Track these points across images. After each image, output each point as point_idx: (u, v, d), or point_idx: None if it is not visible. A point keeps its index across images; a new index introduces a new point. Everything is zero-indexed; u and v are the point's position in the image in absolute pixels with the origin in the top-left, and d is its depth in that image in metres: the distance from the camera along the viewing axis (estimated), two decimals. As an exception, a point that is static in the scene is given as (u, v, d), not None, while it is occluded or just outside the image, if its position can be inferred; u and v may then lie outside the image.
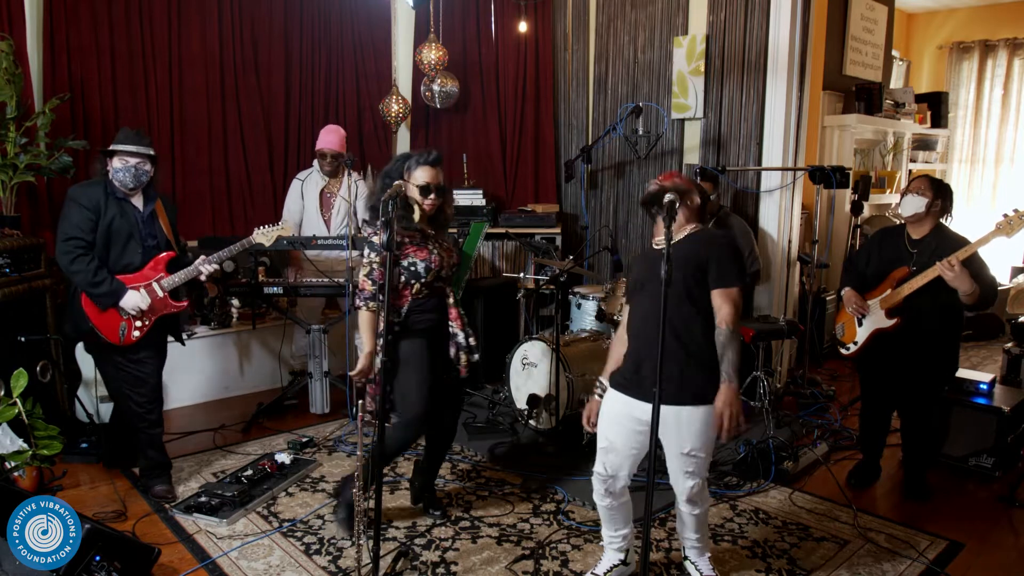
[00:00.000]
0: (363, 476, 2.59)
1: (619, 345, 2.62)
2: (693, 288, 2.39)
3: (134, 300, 3.17)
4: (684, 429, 2.39)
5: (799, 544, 3.00)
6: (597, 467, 2.56)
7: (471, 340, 3.04)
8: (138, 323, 3.22)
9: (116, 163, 3.17)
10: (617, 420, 2.48)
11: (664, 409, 2.35)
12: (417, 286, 2.92)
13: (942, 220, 3.28)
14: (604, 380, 2.62)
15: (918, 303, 3.20)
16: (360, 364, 2.89)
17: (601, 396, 2.60)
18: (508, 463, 3.76)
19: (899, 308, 3.25)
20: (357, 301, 2.94)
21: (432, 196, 2.91)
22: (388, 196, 2.51)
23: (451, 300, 3.03)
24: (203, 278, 3.35)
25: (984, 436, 3.65)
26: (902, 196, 3.33)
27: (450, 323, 3.03)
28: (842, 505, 3.32)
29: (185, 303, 3.40)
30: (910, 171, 7.01)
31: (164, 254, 3.30)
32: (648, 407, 2.30)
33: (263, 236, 3.54)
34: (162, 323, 3.35)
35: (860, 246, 3.60)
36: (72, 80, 4.31)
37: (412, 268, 2.91)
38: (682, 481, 2.49)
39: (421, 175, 2.91)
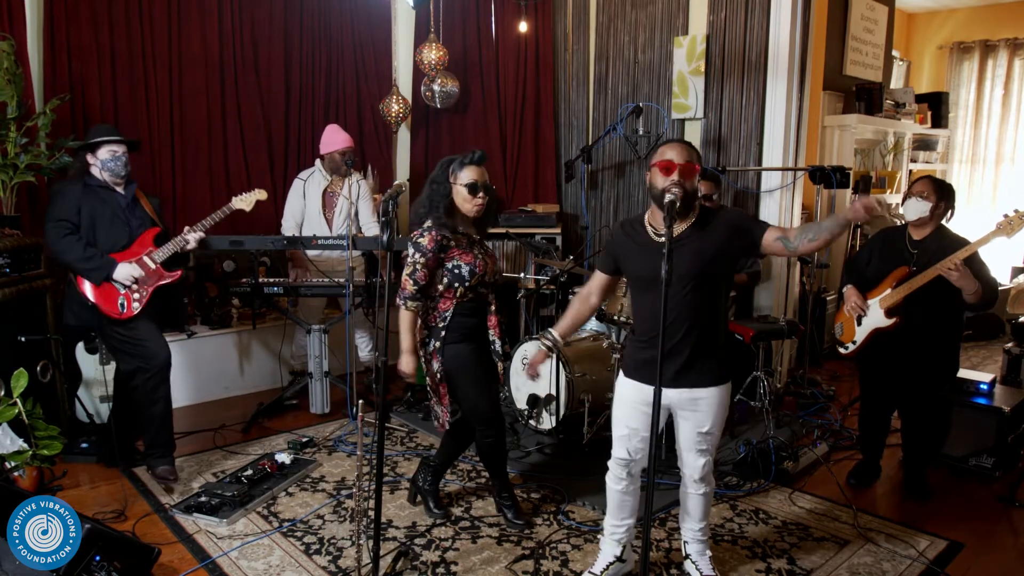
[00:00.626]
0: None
1: (579, 307, 2.68)
2: (711, 275, 2.39)
3: (126, 270, 3.31)
4: (702, 410, 2.45)
5: (799, 544, 3.01)
6: (618, 452, 2.57)
7: (505, 347, 3.09)
8: (136, 295, 3.34)
9: (104, 154, 3.32)
10: (633, 406, 2.51)
11: (681, 392, 2.42)
12: (461, 290, 2.90)
13: (943, 221, 3.29)
14: (554, 332, 2.69)
15: (918, 303, 3.20)
16: (402, 365, 2.93)
17: (547, 349, 2.68)
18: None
19: (899, 308, 3.25)
20: (397, 300, 2.92)
21: (481, 195, 2.90)
22: (389, 196, 2.51)
23: (492, 307, 3.04)
24: (190, 247, 3.49)
25: (984, 436, 3.65)
26: (904, 199, 3.32)
27: (489, 330, 3.04)
28: (842, 505, 3.32)
29: (179, 273, 3.49)
30: (910, 171, 7.01)
31: (150, 230, 3.43)
32: (668, 392, 2.41)
33: (242, 202, 3.64)
34: (159, 313, 3.45)
35: (862, 246, 3.61)
36: (72, 80, 4.31)
37: (456, 271, 2.89)
38: (694, 459, 2.53)
39: (467, 175, 2.89)
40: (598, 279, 2.67)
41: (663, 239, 2.33)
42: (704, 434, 2.48)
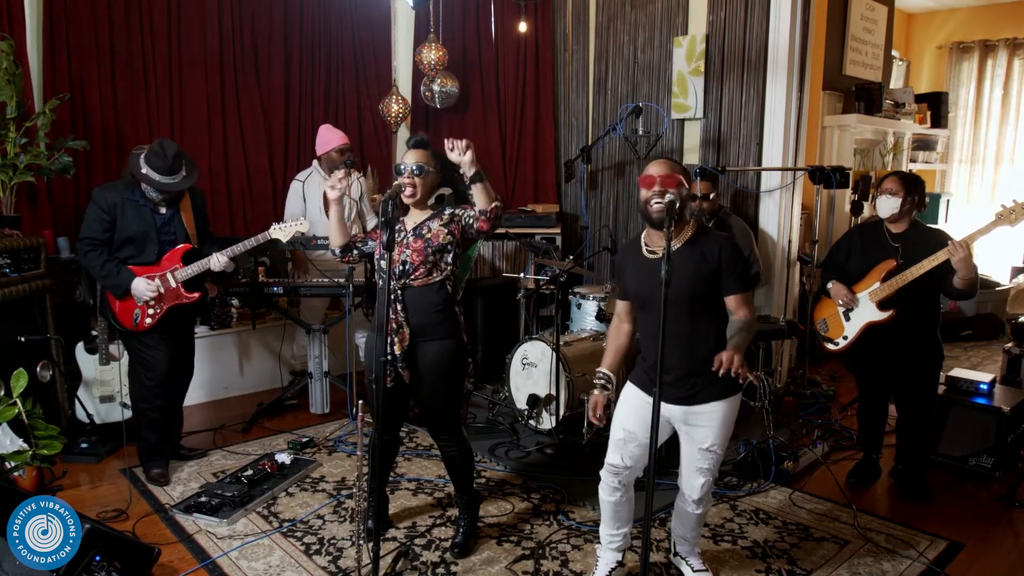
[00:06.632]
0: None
1: (615, 338, 2.63)
2: (706, 295, 2.37)
3: (142, 286, 3.33)
4: (704, 425, 2.42)
5: (799, 544, 3.01)
6: (612, 459, 2.53)
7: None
8: (150, 311, 3.38)
9: (147, 184, 3.33)
10: (638, 413, 2.47)
11: (683, 408, 2.40)
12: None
13: (915, 213, 3.36)
14: (605, 370, 2.57)
15: (905, 294, 3.25)
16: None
17: (603, 388, 2.56)
18: (508, 463, 3.76)
19: (891, 300, 3.28)
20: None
21: (407, 176, 2.69)
22: (388, 196, 2.51)
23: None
24: (215, 270, 3.46)
25: (984, 436, 3.65)
26: (875, 197, 3.36)
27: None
28: (842, 505, 3.32)
29: (198, 295, 3.50)
30: (910, 171, 7.00)
31: (180, 246, 3.44)
32: (669, 407, 2.40)
33: (280, 232, 3.55)
34: (185, 314, 3.51)
35: (837, 241, 3.67)
36: (72, 80, 4.31)
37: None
38: (694, 478, 2.50)
39: (401, 159, 2.76)
40: (621, 306, 2.64)
41: (656, 256, 2.37)
42: (705, 450, 2.44)
